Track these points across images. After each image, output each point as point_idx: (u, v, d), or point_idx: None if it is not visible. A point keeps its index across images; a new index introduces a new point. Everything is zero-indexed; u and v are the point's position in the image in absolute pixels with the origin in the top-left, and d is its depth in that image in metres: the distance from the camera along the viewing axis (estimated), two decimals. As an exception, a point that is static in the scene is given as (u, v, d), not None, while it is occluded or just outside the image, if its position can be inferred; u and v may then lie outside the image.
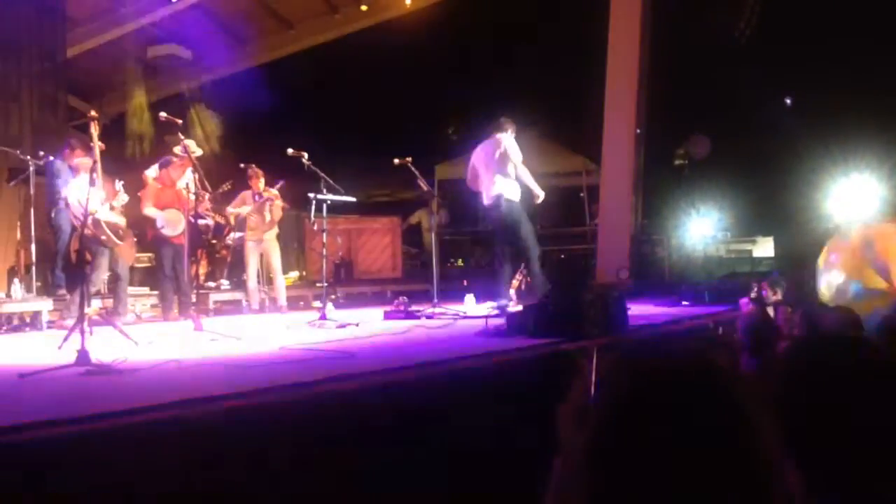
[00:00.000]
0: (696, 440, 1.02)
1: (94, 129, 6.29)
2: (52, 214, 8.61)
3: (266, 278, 10.32)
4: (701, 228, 13.04)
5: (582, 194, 15.32)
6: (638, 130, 12.14)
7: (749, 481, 1.02)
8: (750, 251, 15.22)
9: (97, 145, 6.47)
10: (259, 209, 9.51)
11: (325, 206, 8.02)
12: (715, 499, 1.00)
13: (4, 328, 7.91)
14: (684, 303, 8.74)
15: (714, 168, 13.49)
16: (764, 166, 14.58)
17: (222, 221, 11.05)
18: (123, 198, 7.98)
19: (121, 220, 7.92)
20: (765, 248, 15.05)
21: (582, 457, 1.08)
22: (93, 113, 6.40)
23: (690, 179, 12.82)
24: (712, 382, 1.09)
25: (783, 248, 13.73)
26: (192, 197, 7.27)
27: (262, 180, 9.61)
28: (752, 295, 6.15)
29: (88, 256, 7.50)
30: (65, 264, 8.69)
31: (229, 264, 11.59)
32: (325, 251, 8.11)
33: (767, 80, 14.22)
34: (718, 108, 14.14)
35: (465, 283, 11.83)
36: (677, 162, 12.70)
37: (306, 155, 7.89)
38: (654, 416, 1.05)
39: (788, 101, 15.89)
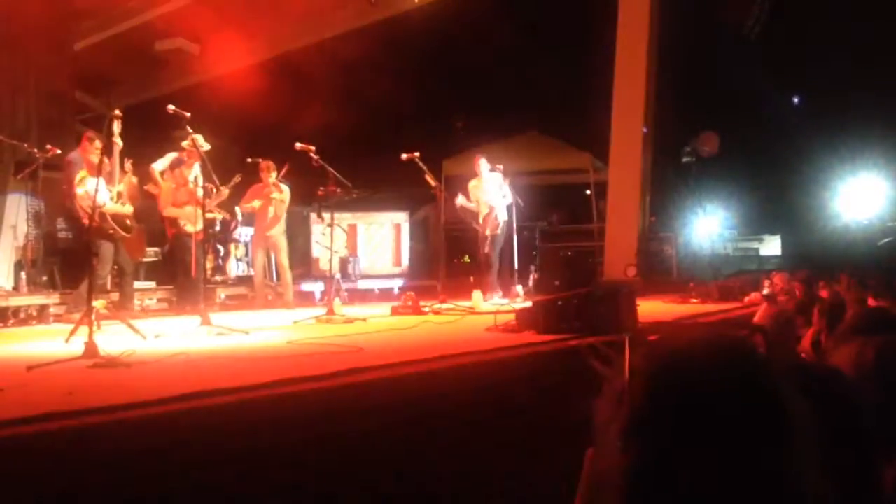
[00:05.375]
0: (728, 416, 1.03)
1: (117, 127, 6.62)
2: (69, 207, 8.60)
3: (274, 273, 10.30)
4: (708, 226, 13.02)
5: (588, 191, 15.28)
6: (645, 129, 12.10)
7: (779, 456, 1.03)
8: (757, 249, 15.19)
9: (117, 142, 6.75)
10: (266, 203, 9.47)
11: (332, 201, 8.01)
12: (748, 471, 1.01)
13: (12, 321, 7.91)
14: (693, 300, 8.73)
15: (721, 166, 13.45)
16: (771, 164, 14.55)
17: (227, 217, 11.03)
18: (132, 178, 8.01)
19: (127, 210, 7.92)
20: (772, 246, 15.03)
21: (618, 439, 1.09)
22: (117, 111, 6.71)
23: (698, 177, 12.79)
24: (745, 362, 1.10)
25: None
26: (200, 191, 7.27)
27: (274, 174, 9.56)
28: (765, 292, 6.10)
29: (94, 249, 7.51)
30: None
31: (236, 259, 11.58)
32: (331, 246, 8.10)
33: (775, 78, 14.18)
34: (726, 105, 14.11)
35: (471, 279, 11.82)
36: (685, 160, 12.66)
37: (314, 149, 7.88)
38: (686, 392, 1.06)
39: (796, 100, 15.84)
